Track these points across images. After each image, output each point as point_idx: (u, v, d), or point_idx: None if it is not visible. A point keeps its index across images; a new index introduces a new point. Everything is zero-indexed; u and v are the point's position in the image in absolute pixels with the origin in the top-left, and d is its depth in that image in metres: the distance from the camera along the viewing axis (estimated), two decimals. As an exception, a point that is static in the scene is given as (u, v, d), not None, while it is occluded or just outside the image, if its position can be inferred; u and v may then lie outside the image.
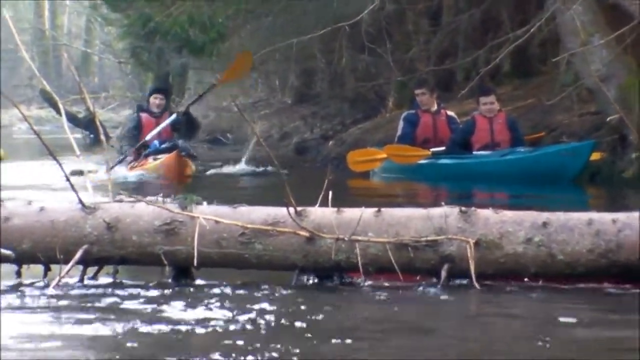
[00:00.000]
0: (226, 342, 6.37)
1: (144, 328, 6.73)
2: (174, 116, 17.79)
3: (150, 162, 17.97)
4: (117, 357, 6.07)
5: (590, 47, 19.58)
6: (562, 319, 7.19)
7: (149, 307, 7.36)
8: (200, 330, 6.77)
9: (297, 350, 6.06)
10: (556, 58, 21.57)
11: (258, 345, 6.14)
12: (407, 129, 20.88)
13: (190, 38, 32.37)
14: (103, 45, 67.86)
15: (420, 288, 7.97)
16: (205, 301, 7.62)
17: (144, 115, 18.06)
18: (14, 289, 8.13)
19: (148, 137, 17.98)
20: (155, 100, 18.17)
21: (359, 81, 32.84)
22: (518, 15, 23.88)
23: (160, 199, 8.74)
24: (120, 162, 18.54)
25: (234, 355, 5.88)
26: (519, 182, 17.93)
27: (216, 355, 5.93)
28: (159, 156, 17.55)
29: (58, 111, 17.43)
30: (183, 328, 6.77)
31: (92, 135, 32.45)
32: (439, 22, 28.82)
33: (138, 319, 7.02)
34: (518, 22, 22.15)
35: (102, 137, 11.03)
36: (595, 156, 18.67)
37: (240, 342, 6.26)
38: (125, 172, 19.06)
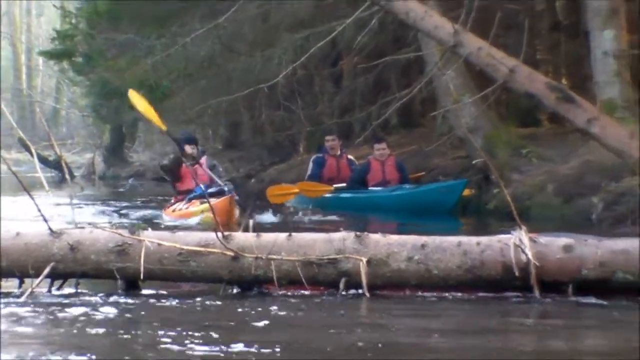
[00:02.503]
0: (164, 340, 6.37)
1: (98, 330, 6.73)
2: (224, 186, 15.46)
3: (199, 206, 15.12)
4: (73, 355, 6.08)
5: (460, 104, 19.72)
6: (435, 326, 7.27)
7: (103, 314, 7.34)
8: (145, 332, 6.78)
9: (219, 347, 6.11)
10: (433, 113, 21.68)
11: (189, 342, 6.17)
12: (315, 170, 21.10)
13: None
14: (69, 102, 67.75)
15: (323, 297, 8.01)
16: (149, 308, 7.65)
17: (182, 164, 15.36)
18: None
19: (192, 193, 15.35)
20: (189, 150, 15.65)
21: (275, 131, 32.93)
22: (403, 79, 24.01)
23: (114, 224, 8.82)
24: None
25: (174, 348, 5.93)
26: (405, 212, 18.00)
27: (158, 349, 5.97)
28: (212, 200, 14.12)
29: (32, 155, 17.39)
30: (131, 330, 6.79)
31: (60, 174, 32.21)
32: (340, 84, 28.92)
33: (94, 324, 7.03)
34: (403, 85, 22.24)
35: (67, 176, 10.98)
36: (466, 192, 18.88)
37: (175, 344, 6.27)
38: (169, 216, 16.49)
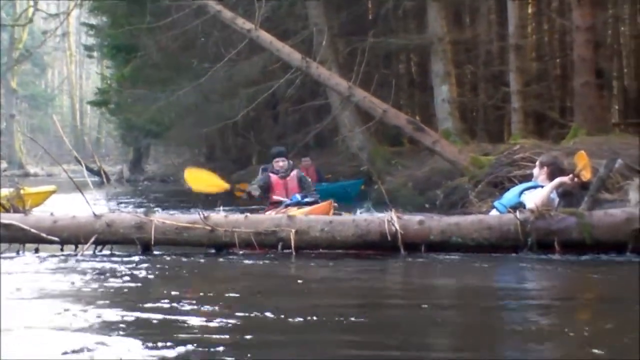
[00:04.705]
0: (167, 285, 6.33)
1: (126, 272, 6.66)
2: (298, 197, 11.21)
3: (296, 210, 10.53)
4: (110, 289, 6.01)
5: (353, 132, 19.77)
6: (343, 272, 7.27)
7: (128, 266, 7.27)
8: (155, 277, 6.73)
9: (202, 290, 6.07)
10: (336, 138, 21.72)
11: (182, 286, 6.13)
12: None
13: (152, 129, 32.18)
14: (107, 133, 67.24)
15: (267, 255, 7.96)
16: (158, 262, 7.58)
17: (273, 177, 11.66)
18: (59, 256, 8.05)
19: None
20: (278, 163, 11.77)
21: (238, 151, 32.90)
22: (317, 117, 23.96)
23: (135, 210, 8.73)
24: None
25: (172, 289, 5.88)
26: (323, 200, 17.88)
27: (162, 290, 5.91)
28: (305, 207, 10.65)
29: (82, 166, 17.17)
30: (144, 277, 6.74)
31: (100, 179, 31.71)
32: (278, 120, 28.92)
33: (123, 268, 6.98)
34: (317, 120, 22.22)
35: (105, 180, 10.90)
36: (362, 187, 18.88)
37: (173, 287, 6.23)
38: None
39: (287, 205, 10.75)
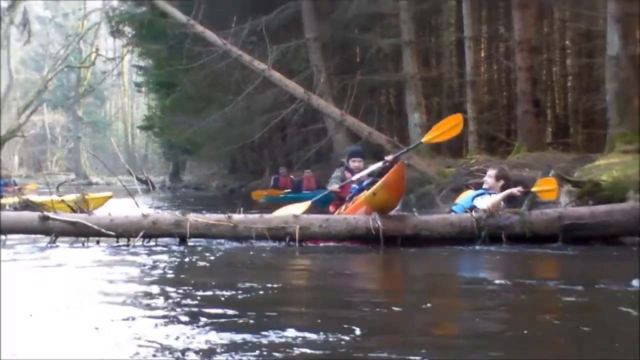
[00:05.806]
0: (202, 269, 6.31)
1: (168, 260, 6.64)
2: (369, 170, 9.30)
3: (365, 193, 8.66)
4: (157, 272, 5.99)
5: (345, 149, 19.74)
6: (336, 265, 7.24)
7: (169, 253, 7.24)
8: (190, 264, 6.70)
9: (228, 282, 6.03)
10: (332, 154, 21.66)
11: (212, 270, 6.11)
12: (274, 183, 20.99)
13: (187, 147, 32.13)
14: (152, 150, 67.02)
15: (276, 245, 7.93)
16: (192, 251, 7.54)
17: (347, 173, 9.48)
18: (115, 247, 7.97)
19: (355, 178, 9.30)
20: (354, 163, 9.50)
21: (254, 165, 32.85)
22: (317, 137, 23.91)
23: (174, 210, 8.69)
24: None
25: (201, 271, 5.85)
26: (322, 202, 17.77)
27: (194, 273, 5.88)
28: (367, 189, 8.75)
29: (133, 176, 17.04)
30: (181, 263, 6.70)
31: (147, 187, 31.65)
32: (286, 141, 28.85)
33: (165, 257, 6.94)
34: (317, 140, 22.16)
35: (151, 187, 10.82)
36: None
37: (205, 271, 6.21)
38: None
39: (351, 198, 9.18)
